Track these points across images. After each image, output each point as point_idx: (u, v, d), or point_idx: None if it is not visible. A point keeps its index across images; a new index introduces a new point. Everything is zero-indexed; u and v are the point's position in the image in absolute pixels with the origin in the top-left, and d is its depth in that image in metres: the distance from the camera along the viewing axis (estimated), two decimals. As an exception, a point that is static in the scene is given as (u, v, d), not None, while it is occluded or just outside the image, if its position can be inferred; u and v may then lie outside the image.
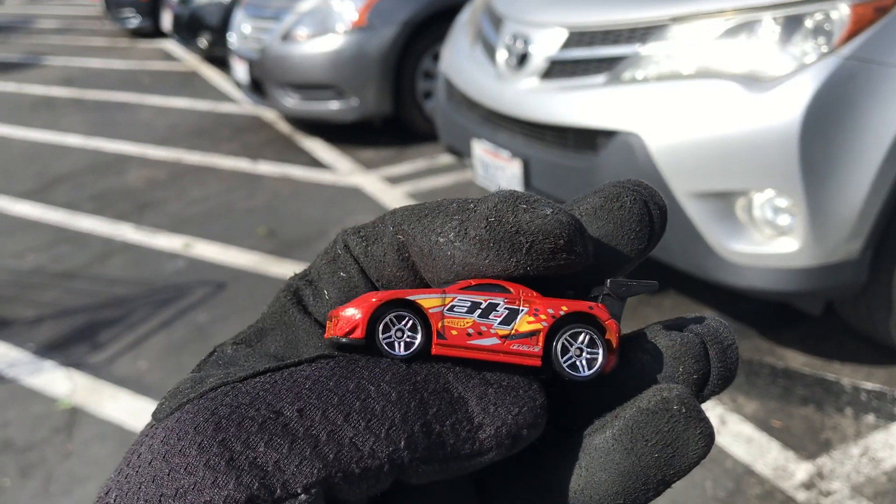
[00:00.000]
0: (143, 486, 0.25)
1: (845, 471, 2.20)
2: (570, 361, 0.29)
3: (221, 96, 7.74)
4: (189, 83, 8.51)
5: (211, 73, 8.92)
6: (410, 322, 0.28)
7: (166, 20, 9.69)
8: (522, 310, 0.29)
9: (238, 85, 6.45)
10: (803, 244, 2.27)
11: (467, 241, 0.29)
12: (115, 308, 3.58)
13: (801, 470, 2.22)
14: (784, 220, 2.30)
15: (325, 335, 0.30)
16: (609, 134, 2.54)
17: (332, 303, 0.32)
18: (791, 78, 2.23)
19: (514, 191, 0.29)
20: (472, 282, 0.29)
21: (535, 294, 0.30)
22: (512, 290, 0.29)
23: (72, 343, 3.29)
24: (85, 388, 2.94)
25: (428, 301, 0.29)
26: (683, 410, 0.28)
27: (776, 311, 2.93)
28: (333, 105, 5.40)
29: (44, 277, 3.99)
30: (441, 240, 0.29)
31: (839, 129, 2.20)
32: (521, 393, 0.28)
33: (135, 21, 11.89)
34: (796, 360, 2.69)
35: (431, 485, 0.31)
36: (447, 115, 3.58)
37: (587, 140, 2.63)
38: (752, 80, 2.30)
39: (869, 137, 2.19)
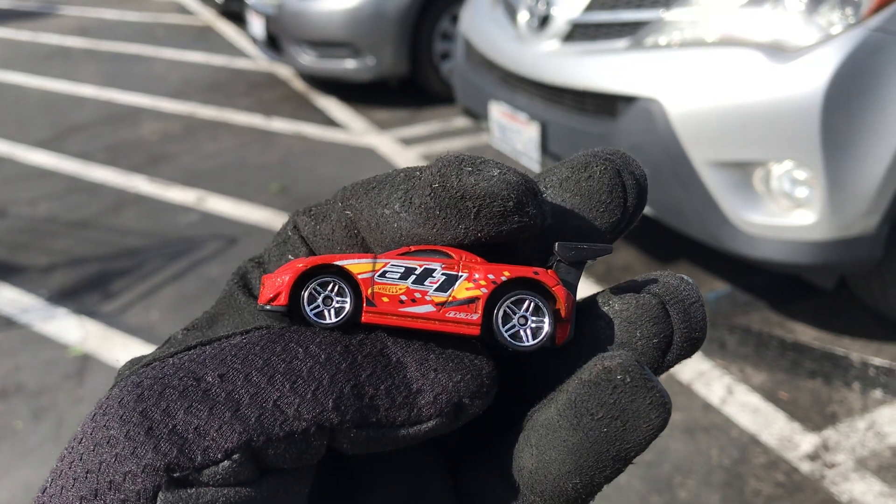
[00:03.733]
0: (72, 466, 0.25)
1: (850, 444, 2.21)
2: (512, 330, 0.27)
3: (236, 52, 7.70)
4: (204, 37, 8.46)
5: (226, 28, 8.86)
6: (337, 287, 0.27)
7: (183, -27, 9.61)
8: (461, 276, 0.27)
9: (254, 40, 6.41)
10: (820, 217, 2.25)
11: (413, 210, 0.27)
12: (127, 258, 3.60)
13: (807, 441, 2.23)
14: (802, 192, 2.28)
15: (258, 300, 0.29)
16: (629, 99, 2.51)
17: None
18: (816, 49, 2.20)
19: (460, 154, 0.28)
20: (413, 248, 0.28)
21: (479, 260, 0.28)
22: (454, 255, 0.27)
23: (84, 291, 3.31)
24: (96, 336, 2.97)
25: (357, 266, 0.27)
26: (628, 380, 0.25)
27: (788, 285, 2.93)
28: (349, 64, 5.37)
29: (57, 226, 4.00)
30: (387, 211, 0.28)
31: (862, 102, 2.17)
32: (466, 361, 0.27)
33: (151, -27, 11.79)
34: (806, 334, 2.69)
35: (400, 462, 0.30)
36: (465, 77, 3.55)
37: (607, 105, 2.61)
38: (776, 50, 2.27)
39: (892, 111, 2.17)
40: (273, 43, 5.84)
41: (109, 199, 4.30)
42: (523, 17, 3.03)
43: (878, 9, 2.17)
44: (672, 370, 2.52)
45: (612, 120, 2.59)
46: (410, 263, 0.27)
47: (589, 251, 0.28)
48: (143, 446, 0.24)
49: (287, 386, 0.25)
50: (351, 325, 0.27)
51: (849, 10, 2.21)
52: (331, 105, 5.77)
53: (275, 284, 0.27)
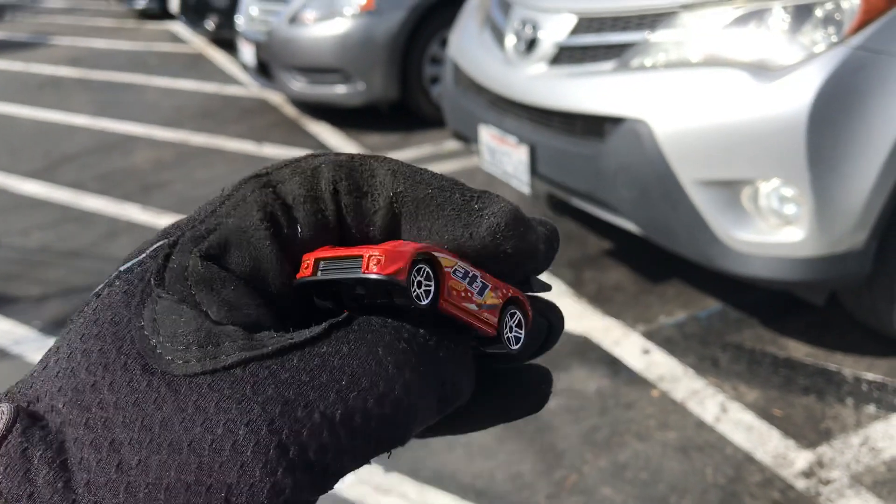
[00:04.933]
0: (183, 472, 0.24)
1: (845, 460, 2.21)
2: (507, 336, 0.33)
3: (228, 79, 7.74)
4: (196, 65, 8.51)
5: (218, 56, 8.91)
6: (426, 273, 0.31)
7: (173, 2, 9.68)
8: (488, 286, 0.32)
9: (245, 67, 6.44)
10: (808, 234, 2.27)
11: (473, 241, 0.32)
12: (120, 287, 3.59)
13: (802, 458, 2.23)
14: (790, 209, 2.30)
15: (364, 270, 0.30)
16: (616, 121, 2.54)
17: (303, 242, 0.31)
18: (800, 67, 2.23)
19: (515, 208, 0.33)
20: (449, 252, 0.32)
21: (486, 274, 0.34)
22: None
23: (77, 321, 3.30)
24: (90, 366, 2.96)
25: (446, 260, 0.31)
26: (545, 388, 0.35)
27: (779, 301, 2.94)
28: (340, 89, 5.40)
29: (49, 256, 4.00)
30: (447, 236, 0.32)
31: (847, 119, 2.20)
32: (470, 364, 0.32)
33: (142, 2, 11.87)
34: (798, 350, 2.70)
35: None
36: (454, 101, 3.58)
37: (594, 126, 2.63)
38: (761, 69, 2.30)
39: (876, 128, 2.19)
40: (264, 70, 5.87)
41: (102, 228, 4.30)
42: (510, 41, 3.06)
43: (859, 27, 2.20)
44: (665, 389, 2.53)
45: (600, 141, 2.61)
46: (467, 268, 0.32)
47: (545, 287, 0.36)
48: (282, 478, 0.25)
49: (400, 416, 0.28)
50: (434, 306, 0.31)
51: (831, 29, 2.24)
52: (322, 130, 5.80)
53: (397, 259, 0.30)
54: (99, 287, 0.30)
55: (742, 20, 2.38)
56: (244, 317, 0.28)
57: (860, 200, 2.24)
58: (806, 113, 2.18)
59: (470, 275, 0.32)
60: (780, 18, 2.32)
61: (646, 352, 2.74)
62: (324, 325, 0.28)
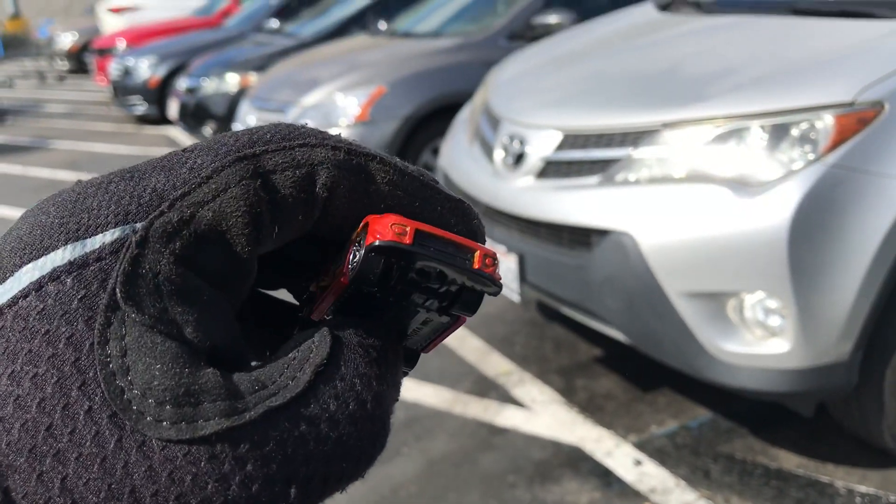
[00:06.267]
0: None
1: (840, 577, 2.18)
2: None
3: (224, 183, 7.84)
4: (192, 170, 8.63)
5: (214, 160, 9.06)
6: None
7: (172, 108, 9.90)
8: None
9: (241, 173, 6.56)
10: (794, 345, 2.30)
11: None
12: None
13: (796, 575, 2.19)
14: (775, 321, 2.33)
15: (475, 265, 0.29)
16: (602, 233, 2.59)
17: (273, 239, 0.28)
18: (779, 184, 2.30)
19: (481, 228, 0.32)
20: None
21: None
22: None
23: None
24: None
25: None
26: None
27: (770, 411, 2.94)
28: (334, 195, 5.48)
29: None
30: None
31: (826, 233, 2.25)
32: None
33: (141, 108, 12.11)
34: (790, 461, 2.68)
35: None
36: (445, 210, 3.64)
37: (581, 238, 2.69)
38: (742, 185, 2.37)
39: (855, 242, 2.25)
40: (259, 176, 5.97)
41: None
42: (499, 154, 3.15)
43: (834, 146, 2.28)
44: (658, 502, 2.50)
45: (587, 251, 2.66)
46: None
47: None
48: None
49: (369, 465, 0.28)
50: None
51: (808, 148, 2.33)
52: (315, 235, 5.85)
53: (497, 261, 0.30)
54: (29, 268, 0.25)
55: (722, 138, 2.47)
56: (219, 336, 0.26)
57: (843, 312, 2.27)
58: (787, 227, 2.24)
59: None
60: (758, 137, 2.41)
61: (638, 463, 2.73)
62: (308, 372, 0.26)
